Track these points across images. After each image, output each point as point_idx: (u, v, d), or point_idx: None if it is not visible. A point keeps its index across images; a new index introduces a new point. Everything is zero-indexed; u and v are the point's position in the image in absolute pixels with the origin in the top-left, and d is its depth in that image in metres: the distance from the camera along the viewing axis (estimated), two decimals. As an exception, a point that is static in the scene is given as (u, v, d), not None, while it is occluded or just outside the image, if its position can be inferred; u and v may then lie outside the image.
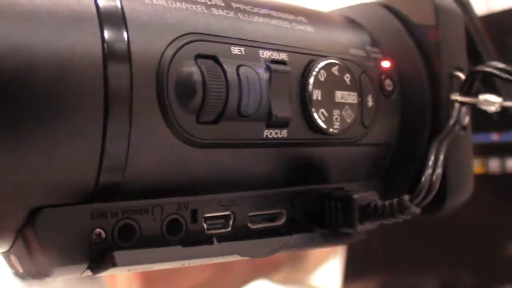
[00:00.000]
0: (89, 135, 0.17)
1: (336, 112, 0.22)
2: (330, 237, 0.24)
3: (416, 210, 0.21)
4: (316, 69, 0.21)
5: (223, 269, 0.36)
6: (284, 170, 0.22)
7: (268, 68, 0.20)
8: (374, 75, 0.24)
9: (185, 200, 0.20)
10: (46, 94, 0.15)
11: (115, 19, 0.17)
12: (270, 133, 0.21)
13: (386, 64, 0.25)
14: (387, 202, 0.21)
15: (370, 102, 0.24)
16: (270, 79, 0.20)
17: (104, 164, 0.17)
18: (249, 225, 0.22)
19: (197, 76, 0.18)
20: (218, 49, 0.19)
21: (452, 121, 0.24)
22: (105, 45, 0.16)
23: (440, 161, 0.22)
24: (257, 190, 0.22)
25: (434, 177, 0.21)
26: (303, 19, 0.23)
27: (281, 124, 0.21)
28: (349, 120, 0.23)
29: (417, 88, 0.25)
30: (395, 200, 0.21)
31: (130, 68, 0.17)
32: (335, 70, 0.22)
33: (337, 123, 0.22)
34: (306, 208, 0.23)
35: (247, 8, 0.21)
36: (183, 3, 0.19)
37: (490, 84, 0.27)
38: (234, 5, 0.21)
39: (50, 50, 0.16)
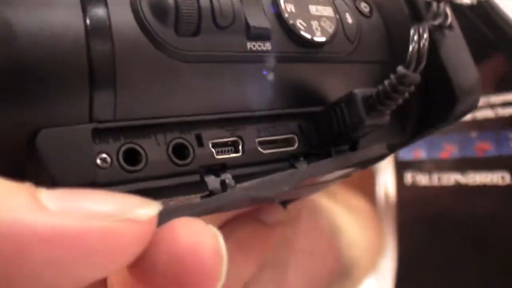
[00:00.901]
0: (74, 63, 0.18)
1: (314, 23, 0.23)
2: (352, 149, 0.23)
3: (415, 76, 0.21)
4: None
5: None
6: (278, 89, 0.23)
7: None
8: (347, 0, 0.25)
9: (184, 120, 0.20)
10: None
11: None
12: (253, 45, 0.21)
13: None
14: (385, 82, 0.21)
15: (349, 19, 0.25)
16: None
17: (95, 81, 0.18)
18: (260, 149, 0.22)
19: None
20: None
21: (430, 14, 0.24)
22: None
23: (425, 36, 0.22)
24: (257, 112, 0.22)
25: (421, 43, 0.21)
26: None
27: (262, 36, 0.22)
28: (330, 30, 0.23)
29: (393, 5, 0.26)
30: (391, 76, 0.21)
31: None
32: None
33: (318, 32, 0.23)
34: (315, 130, 0.24)
35: None
36: None
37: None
38: None
39: None
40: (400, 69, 0.21)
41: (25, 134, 0.17)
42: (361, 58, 0.25)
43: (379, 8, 0.27)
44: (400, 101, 0.22)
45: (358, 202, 0.53)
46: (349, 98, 0.22)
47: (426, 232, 0.47)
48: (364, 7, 0.26)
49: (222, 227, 0.30)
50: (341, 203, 0.48)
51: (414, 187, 0.48)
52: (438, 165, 0.46)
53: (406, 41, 0.26)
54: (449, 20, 0.25)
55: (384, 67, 0.26)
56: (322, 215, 0.43)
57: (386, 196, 0.51)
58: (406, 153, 0.48)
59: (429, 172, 0.47)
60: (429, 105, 0.27)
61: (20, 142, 0.17)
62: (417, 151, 0.47)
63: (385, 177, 0.51)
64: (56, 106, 0.18)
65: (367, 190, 0.53)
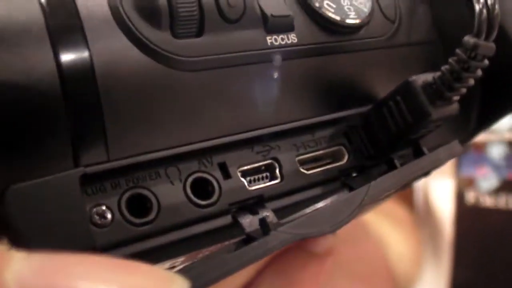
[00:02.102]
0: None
1: (345, 2, 0.18)
2: (418, 153, 0.19)
3: (490, 45, 0.16)
4: None
5: None
6: (312, 90, 0.18)
7: None
8: None
9: (201, 146, 0.16)
10: None
11: None
12: (275, 39, 0.17)
13: None
14: (451, 60, 0.17)
15: None
16: None
17: (74, 112, 0.13)
18: (302, 170, 0.17)
19: None
20: None
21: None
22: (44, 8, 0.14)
23: None
24: (292, 123, 0.17)
25: (489, 2, 0.16)
26: None
27: (284, 26, 0.17)
28: (365, 9, 0.19)
29: None
30: (457, 51, 0.16)
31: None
32: None
33: (352, 13, 0.18)
34: (367, 135, 0.19)
35: None
36: None
37: None
38: None
39: None
40: (469, 39, 0.16)
41: None
42: (406, 40, 0.20)
43: None
44: (472, 82, 0.17)
45: (401, 211, 0.49)
46: (406, 88, 0.17)
47: (486, 258, 0.42)
48: None
49: (270, 264, 0.26)
50: (385, 215, 0.45)
51: (476, 207, 0.43)
52: (507, 186, 0.41)
53: (456, 12, 0.21)
54: None
55: (435, 48, 0.21)
56: (371, 233, 0.39)
57: (427, 204, 0.47)
58: (469, 169, 0.43)
59: (496, 193, 0.41)
60: (494, 87, 0.22)
61: None
62: (481, 168, 0.42)
63: (424, 183, 0.47)
64: (26, 154, 0.13)
65: (405, 196, 0.50)
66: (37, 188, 0.13)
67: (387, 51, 0.20)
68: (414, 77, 0.17)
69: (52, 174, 0.13)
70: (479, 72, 0.16)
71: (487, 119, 0.23)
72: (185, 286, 0.11)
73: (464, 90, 0.17)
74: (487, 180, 0.43)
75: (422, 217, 0.49)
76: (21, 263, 0.11)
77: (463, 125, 0.23)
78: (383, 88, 0.19)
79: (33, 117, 0.13)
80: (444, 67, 0.17)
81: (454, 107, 0.18)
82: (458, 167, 0.44)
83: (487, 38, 0.16)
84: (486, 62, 0.16)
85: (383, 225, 0.44)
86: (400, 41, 0.20)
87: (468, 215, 0.44)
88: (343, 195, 0.17)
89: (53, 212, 0.13)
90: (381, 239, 0.42)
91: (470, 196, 0.44)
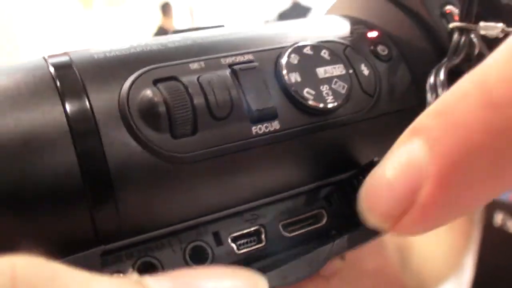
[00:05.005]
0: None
1: (324, 87, 0.21)
2: None
3: None
4: (286, 54, 0.21)
5: None
6: (295, 166, 0.21)
7: (232, 70, 0.20)
8: (361, 47, 0.23)
9: (198, 222, 0.19)
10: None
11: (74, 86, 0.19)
12: (259, 128, 0.20)
13: (373, 34, 0.24)
14: None
15: (365, 70, 0.23)
16: (237, 77, 0.20)
17: (94, 203, 0.17)
18: (284, 233, 0.21)
19: (156, 97, 0.18)
20: (175, 70, 0.20)
21: (452, 49, 0.22)
22: (69, 116, 0.18)
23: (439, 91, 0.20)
24: (278, 195, 0.21)
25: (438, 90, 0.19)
26: (268, 25, 0.24)
27: (268, 116, 0.20)
28: (343, 91, 0.21)
29: (413, 42, 0.24)
30: None
31: (91, 110, 0.18)
32: (307, 50, 0.22)
33: (330, 97, 0.21)
34: (345, 197, 0.22)
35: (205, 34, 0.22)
36: (138, 47, 0.21)
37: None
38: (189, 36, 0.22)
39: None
40: None
41: None
42: (385, 110, 0.23)
43: (398, 46, 0.24)
44: None
45: None
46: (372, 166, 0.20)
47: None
48: (382, 50, 0.24)
49: None
50: None
51: (503, 231, 0.44)
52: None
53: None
54: (477, 50, 0.23)
55: (414, 113, 0.24)
56: (387, 243, 0.41)
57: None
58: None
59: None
60: None
61: None
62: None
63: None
64: (62, 238, 0.17)
65: None
66: (71, 263, 0.17)
67: (366, 123, 0.22)
68: (377, 159, 0.20)
69: (80, 252, 0.18)
70: None
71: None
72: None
73: None
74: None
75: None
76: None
77: None
78: (365, 156, 0.22)
79: (62, 209, 0.17)
80: None
81: None
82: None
83: None
84: None
85: None
86: (379, 112, 0.22)
87: (493, 236, 0.45)
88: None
89: None
90: (403, 245, 0.43)
91: (498, 219, 0.44)
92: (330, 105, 0.21)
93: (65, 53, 0.20)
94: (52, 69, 0.19)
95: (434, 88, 0.20)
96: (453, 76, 0.22)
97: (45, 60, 0.19)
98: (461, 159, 0.13)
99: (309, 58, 0.21)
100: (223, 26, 0.24)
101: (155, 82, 0.19)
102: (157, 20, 3.68)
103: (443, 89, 0.20)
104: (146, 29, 3.76)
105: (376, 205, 0.15)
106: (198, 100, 0.19)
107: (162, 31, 3.51)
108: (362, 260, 0.36)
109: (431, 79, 0.20)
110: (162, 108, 0.18)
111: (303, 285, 0.29)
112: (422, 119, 0.15)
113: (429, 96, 0.20)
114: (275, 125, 0.20)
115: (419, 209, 0.14)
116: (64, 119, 0.18)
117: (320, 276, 0.30)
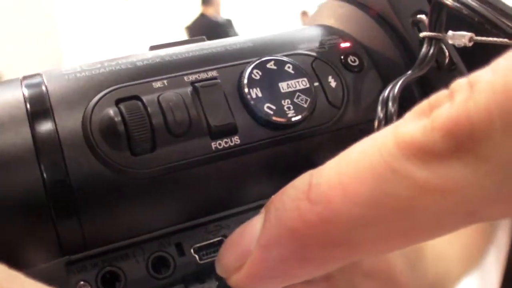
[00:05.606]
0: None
1: (286, 102, 0.21)
2: None
3: None
4: (248, 70, 0.22)
5: None
6: (258, 178, 0.22)
7: (194, 87, 0.21)
8: (330, 58, 0.23)
9: (161, 233, 0.20)
10: None
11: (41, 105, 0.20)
12: (218, 144, 0.20)
13: (344, 44, 0.24)
14: None
15: (332, 82, 0.23)
16: (198, 95, 0.21)
17: (57, 216, 0.19)
18: None
19: (116, 117, 0.19)
20: (138, 89, 0.20)
21: (420, 60, 0.22)
22: (35, 136, 0.19)
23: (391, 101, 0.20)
24: (242, 207, 0.21)
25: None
26: (235, 42, 0.24)
27: (227, 132, 0.21)
28: (305, 105, 0.22)
29: (386, 51, 0.24)
30: None
31: (56, 130, 0.19)
32: (270, 65, 0.22)
33: (291, 111, 0.21)
34: None
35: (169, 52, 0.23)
36: (107, 67, 0.21)
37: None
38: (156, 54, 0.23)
39: None
40: None
41: None
42: (354, 120, 0.23)
43: (370, 56, 0.24)
44: None
45: None
46: None
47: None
48: (352, 60, 0.24)
49: None
50: None
51: None
52: None
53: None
54: (447, 59, 0.23)
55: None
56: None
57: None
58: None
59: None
60: None
61: None
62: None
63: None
64: (26, 250, 0.18)
65: None
66: (36, 273, 0.19)
67: (332, 134, 0.22)
68: None
69: (43, 262, 0.19)
70: None
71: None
72: None
73: None
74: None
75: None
76: None
77: None
78: None
79: (27, 222, 0.18)
80: None
81: None
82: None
83: None
84: None
85: None
86: (347, 123, 0.23)
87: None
88: None
89: None
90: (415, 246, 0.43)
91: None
92: (291, 119, 0.21)
93: (38, 74, 0.21)
94: (25, 90, 0.20)
95: (386, 102, 0.20)
96: (423, 87, 0.22)
97: (21, 81, 0.20)
98: (277, 236, 0.16)
99: (272, 73, 0.22)
100: (203, 38, 0.25)
101: (118, 101, 0.20)
102: (197, 8, 3.71)
103: (393, 104, 0.20)
104: (185, 18, 3.79)
105: (221, 257, 0.19)
106: (156, 119, 0.20)
107: (202, 19, 3.54)
108: (360, 261, 0.37)
109: (386, 93, 0.20)
110: (121, 127, 0.19)
111: (299, 286, 0.30)
112: (268, 202, 0.18)
113: (379, 109, 0.20)
114: (235, 140, 0.21)
115: (245, 269, 0.17)
116: (30, 139, 0.19)
117: (317, 276, 0.30)
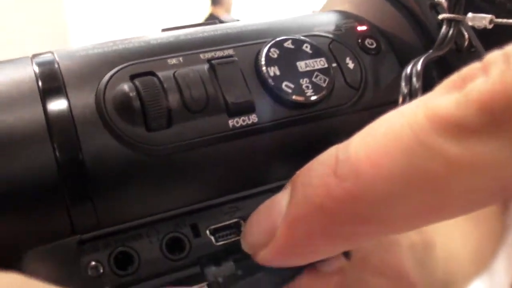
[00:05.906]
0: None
1: (304, 81, 0.21)
2: None
3: None
4: (266, 48, 0.21)
5: None
6: (276, 159, 0.21)
7: (210, 64, 0.21)
8: (347, 40, 0.23)
9: (176, 213, 0.20)
10: None
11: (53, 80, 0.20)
12: (236, 121, 0.20)
13: (361, 28, 0.24)
14: None
15: (350, 63, 0.23)
16: (214, 72, 0.20)
17: (69, 194, 0.18)
18: None
19: (131, 92, 0.19)
20: (153, 65, 0.20)
21: (439, 41, 0.22)
22: (47, 113, 0.19)
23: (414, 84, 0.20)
24: (258, 187, 0.21)
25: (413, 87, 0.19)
26: (252, 22, 0.24)
27: (245, 109, 0.20)
28: (324, 84, 0.22)
29: (403, 35, 0.24)
30: None
31: (69, 106, 0.19)
32: (288, 44, 0.22)
33: (310, 90, 0.21)
34: None
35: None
36: (120, 44, 0.21)
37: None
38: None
39: None
40: None
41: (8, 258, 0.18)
42: (372, 103, 0.23)
43: (387, 39, 0.24)
44: None
45: None
46: None
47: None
48: (369, 43, 0.24)
49: None
50: None
51: None
52: None
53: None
54: (466, 42, 0.22)
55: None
56: (400, 241, 0.40)
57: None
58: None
59: None
60: None
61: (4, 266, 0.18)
62: None
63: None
64: (37, 225, 0.18)
65: None
66: (48, 251, 0.18)
67: (351, 116, 0.22)
68: None
69: (54, 240, 0.19)
70: None
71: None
72: None
73: None
74: None
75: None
76: None
77: None
78: None
79: (39, 200, 0.18)
80: None
81: None
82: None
83: None
84: None
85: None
86: (365, 105, 0.22)
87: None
88: None
89: (58, 267, 0.18)
90: (425, 244, 0.42)
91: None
92: (310, 98, 0.21)
93: (49, 52, 0.21)
94: (36, 68, 0.20)
95: (410, 78, 0.19)
96: (442, 67, 0.22)
97: (31, 59, 0.20)
98: (305, 213, 0.16)
99: (290, 52, 0.22)
100: (216, 22, 0.25)
101: (132, 77, 0.20)
102: (206, 8, 3.71)
103: (417, 80, 0.19)
104: (194, 19, 3.79)
105: (246, 234, 0.19)
106: (173, 95, 0.19)
107: (212, 18, 3.53)
108: (369, 258, 0.36)
109: (408, 70, 0.20)
110: (136, 103, 0.19)
111: (303, 282, 0.30)
112: (294, 177, 0.18)
113: (402, 86, 0.20)
114: (253, 118, 0.21)
115: (272, 245, 0.17)
116: (43, 116, 0.19)
117: (321, 272, 0.30)
